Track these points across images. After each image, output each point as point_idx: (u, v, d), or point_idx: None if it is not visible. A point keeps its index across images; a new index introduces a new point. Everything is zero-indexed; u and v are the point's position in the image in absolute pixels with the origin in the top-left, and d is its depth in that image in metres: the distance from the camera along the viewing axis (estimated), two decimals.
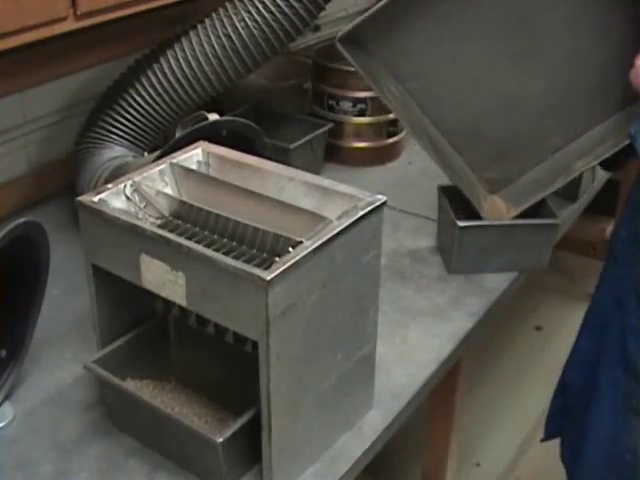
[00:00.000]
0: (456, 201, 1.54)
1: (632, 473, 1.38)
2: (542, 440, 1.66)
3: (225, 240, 1.07)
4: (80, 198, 1.08)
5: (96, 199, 1.08)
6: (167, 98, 1.58)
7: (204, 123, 1.39)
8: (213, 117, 1.43)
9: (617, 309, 1.36)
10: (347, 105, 1.92)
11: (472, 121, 1.47)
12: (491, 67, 1.42)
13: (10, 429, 1.17)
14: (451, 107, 1.46)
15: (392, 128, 1.97)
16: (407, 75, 1.43)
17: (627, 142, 1.33)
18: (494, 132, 1.48)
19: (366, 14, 1.35)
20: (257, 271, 0.92)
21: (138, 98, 1.58)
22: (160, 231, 1.01)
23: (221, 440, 1.00)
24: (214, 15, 1.55)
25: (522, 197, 1.51)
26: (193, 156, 1.20)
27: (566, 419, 1.55)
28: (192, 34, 1.56)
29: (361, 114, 1.93)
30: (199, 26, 1.56)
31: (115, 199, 1.10)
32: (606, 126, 1.45)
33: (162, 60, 1.57)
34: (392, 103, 1.44)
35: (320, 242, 0.97)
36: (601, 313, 1.42)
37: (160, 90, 1.57)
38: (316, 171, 1.81)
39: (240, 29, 1.53)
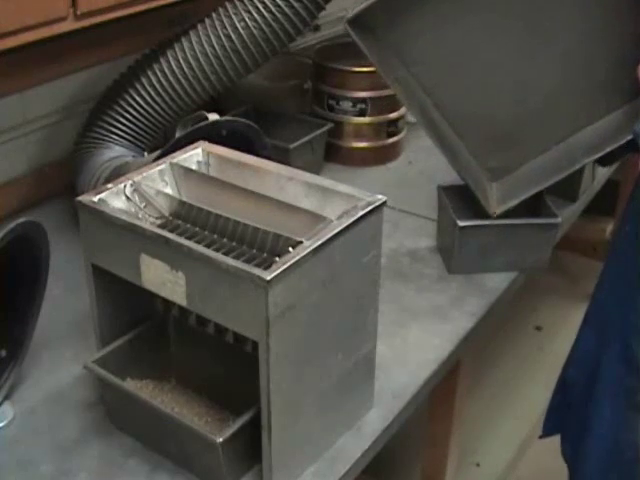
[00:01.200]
0: (456, 201, 1.54)
1: (633, 469, 1.38)
2: (540, 437, 1.66)
3: (225, 240, 1.07)
4: (80, 198, 1.08)
5: (96, 199, 1.08)
6: (167, 98, 1.58)
7: (204, 123, 1.39)
8: (213, 117, 1.43)
9: (619, 306, 1.36)
10: (347, 105, 1.92)
11: (476, 107, 1.46)
12: (499, 54, 1.42)
13: (10, 429, 1.17)
14: (456, 92, 1.46)
15: (392, 128, 1.97)
16: (413, 59, 1.43)
17: (629, 138, 1.33)
18: (497, 119, 1.47)
19: None
20: (257, 271, 0.92)
21: (138, 98, 1.58)
22: (160, 231, 1.01)
23: (221, 440, 1.00)
24: (214, 15, 1.55)
25: (520, 188, 1.50)
26: (193, 156, 1.20)
27: (566, 415, 1.55)
28: (192, 34, 1.56)
29: (361, 114, 1.93)
30: (199, 26, 1.56)
31: (115, 199, 1.10)
32: (610, 120, 1.44)
33: (162, 60, 1.57)
34: (398, 88, 1.45)
35: (320, 242, 0.97)
36: (602, 309, 1.42)
37: (160, 90, 1.57)
38: (316, 171, 1.81)
39: (240, 29, 1.53)
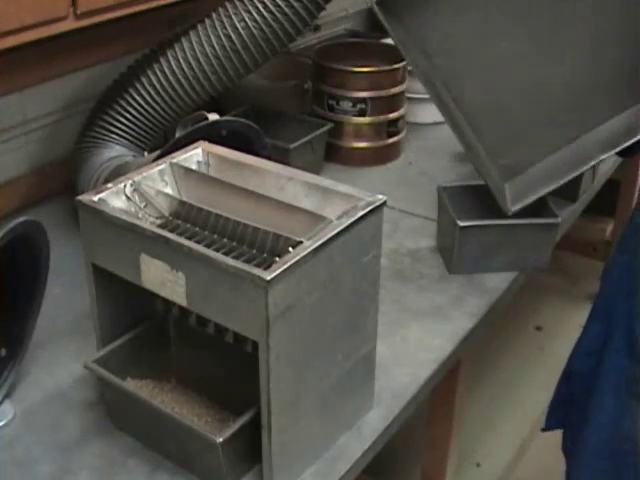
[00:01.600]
0: (456, 201, 1.54)
1: (631, 461, 1.39)
2: (542, 430, 1.66)
3: (225, 240, 1.07)
4: (80, 197, 1.08)
5: (96, 199, 1.08)
6: (167, 98, 1.58)
7: (204, 123, 1.39)
8: (213, 117, 1.43)
9: (625, 298, 1.37)
10: (347, 105, 1.92)
11: (492, 102, 1.47)
12: (517, 50, 1.42)
13: (10, 428, 1.17)
14: (473, 86, 1.46)
15: (392, 128, 1.97)
16: (433, 49, 1.44)
17: None
18: (513, 115, 1.47)
19: None
20: (257, 271, 0.92)
21: (138, 98, 1.58)
22: (160, 231, 1.01)
23: (221, 440, 1.00)
24: (214, 15, 1.55)
25: (535, 186, 1.50)
26: (193, 156, 1.20)
27: (569, 410, 1.56)
28: (192, 34, 1.56)
29: (361, 114, 1.93)
30: (199, 26, 1.56)
31: (115, 199, 1.10)
32: (624, 117, 1.44)
33: (162, 60, 1.57)
34: (419, 75, 1.46)
35: (320, 242, 0.97)
36: (609, 302, 1.43)
37: (160, 90, 1.57)
38: (316, 171, 1.81)
39: (240, 29, 1.53)
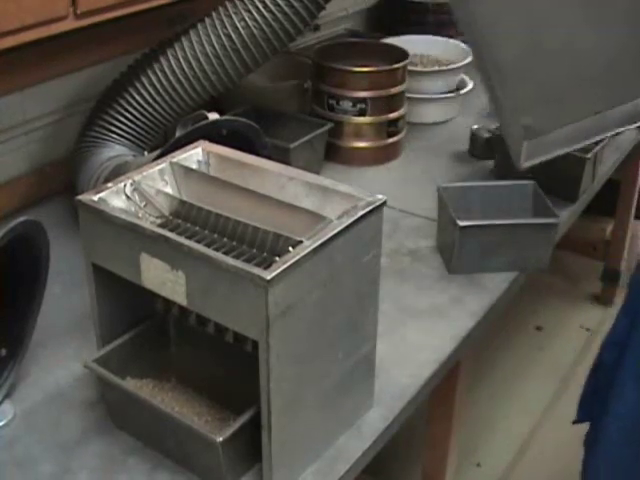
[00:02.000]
0: (456, 201, 1.54)
1: None
2: (574, 422, 1.66)
3: (225, 239, 1.07)
4: (80, 197, 1.08)
5: (96, 198, 1.08)
6: (167, 97, 1.58)
7: (204, 122, 1.39)
8: (213, 116, 1.43)
9: None
10: (347, 105, 1.92)
11: (526, 60, 1.47)
12: (559, 13, 1.43)
13: (10, 428, 1.17)
14: (510, 41, 1.46)
15: (392, 128, 1.97)
16: None
17: None
18: (544, 77, 1.47)
19: None
20: (257, 270, 0.92)
21: (138, 97, 1.58)
22: (160, 230, 1.01)
23: (221, 439, 1.00)
24: (214, 14, 1.56)
25: (548, 148, 1.50)
26: (193, 155, 1.20)
27: (594, 401, 1.57)
28: (192, 33, 1.56)
29: (361, 114, 1.93)
30: (199, 25, 1.56)
31: (115, 198, 1.10)
32: None
33: (162, 59, 1.57)
34: (459, 18, 1.47)
35: (320, 242, 0.97)
36: (636, 298, 1.44)
37: (160, 89, 1.57)
38: (316, 171, 1.81)
39: (240, 29, 1.53)
